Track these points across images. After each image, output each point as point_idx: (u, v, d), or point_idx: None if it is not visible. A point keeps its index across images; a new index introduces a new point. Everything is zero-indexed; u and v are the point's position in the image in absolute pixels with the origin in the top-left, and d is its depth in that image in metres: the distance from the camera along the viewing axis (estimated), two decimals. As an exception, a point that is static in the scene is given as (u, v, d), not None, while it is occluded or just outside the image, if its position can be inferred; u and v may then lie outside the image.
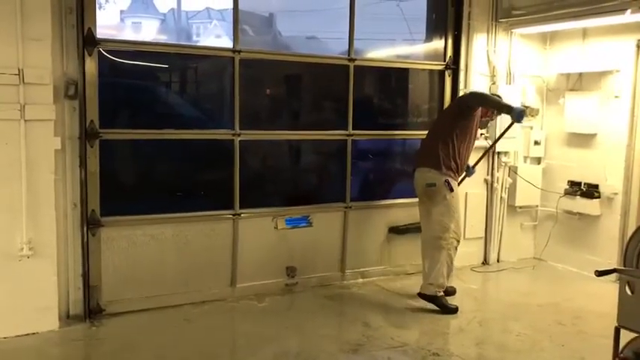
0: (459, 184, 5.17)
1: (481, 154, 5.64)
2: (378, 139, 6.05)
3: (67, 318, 4.51)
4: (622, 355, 2.83)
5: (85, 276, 4.57)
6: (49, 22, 4.19)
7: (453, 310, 4.98)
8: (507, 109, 4.92)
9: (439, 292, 4.99)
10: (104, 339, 4.35)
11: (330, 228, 5.66)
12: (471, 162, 5.37)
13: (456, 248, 5.09)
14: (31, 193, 4.17)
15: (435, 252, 4.99)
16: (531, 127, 6.48)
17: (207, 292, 5.08)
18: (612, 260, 5.73)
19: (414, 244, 5.67)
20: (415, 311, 5.03)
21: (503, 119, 5.59)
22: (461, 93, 6.03)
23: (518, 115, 4.85)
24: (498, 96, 5.38)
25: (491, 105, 5.18)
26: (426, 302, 5.11)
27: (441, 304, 4.98)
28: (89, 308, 4.61)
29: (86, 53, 4.46)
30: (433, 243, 5.01)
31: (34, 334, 4.26)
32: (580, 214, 6.15)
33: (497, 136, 5.95)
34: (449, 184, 4.93)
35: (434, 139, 5.06)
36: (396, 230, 5.89)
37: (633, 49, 5.64)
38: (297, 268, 5.46)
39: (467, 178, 5.40)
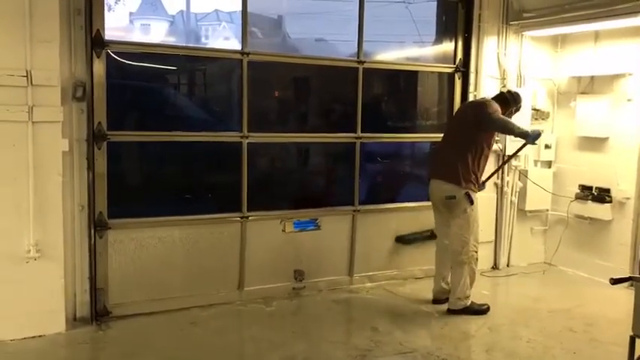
0: None
1: (492, 158, 5.61)
2: (386, 142, 6.00)
3: (73, 320, 4.49)
4: (637, 364, 2.77)
5: (92, 278, 4.56)
6: (57, 23, 4.18)
7: (486, 310, 5.01)
8: (524, 135, 4.84)
9: (467, 302, 4.97)
10: (111, 342, 4.33)
11: (339, 231, 5.62)
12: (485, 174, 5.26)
13: (477, 259, 5.02)
14: (38, 195, 4.16)
15: (457, 268, 4.96)
16: (542, 131, 6.40)
17: (215, 296, 5.06)
18: (624, 266, 5.67)
19: (422, 249, 5.64)
20: (424, 316, 4.99)
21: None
22: (470, 96, 5.98)
23: (533, 139, 4.83)
24: (517, 94, 5.23)
25: (510, 133, 5.07)
26: (435, 306, 5.11)
27: (472, 311, 4.96)
28: (96, 311, 4.60)
29: (94, 55, 4.45)
30: (454, 259, 4.98)
31: (40, 336, 4.25)
32: (591, 218, 6.08)
33: (507, 145, 5.99)
34: (469, 196, 4.84)
35: (452, 152, 4.92)
36: (402, 240, 5.82)
37: (646, 53, 5.59)
38: (305, 271, 5.42)
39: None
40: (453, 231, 4.94)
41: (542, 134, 5.02)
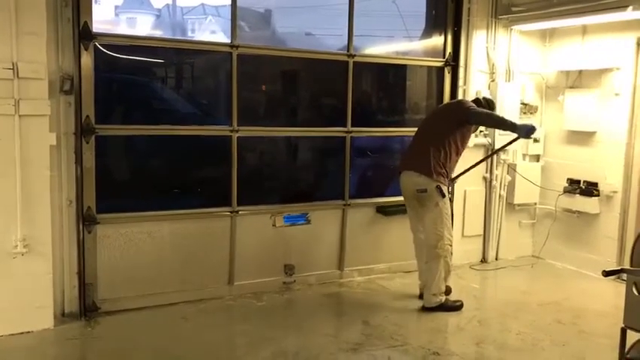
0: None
1: (480, 152, 5.62)
2: (377, 136, 6.00)
3: (62, 316, 4.46)
4: (628, 356, 2.80)
5: (81, 274, 4.52)
6: (44, 15, 4.12)
7: (460, 307, 5.00)
8: (512, 127, 4.81)
9: (442, 298, 4.96)
10: (100, 338, 4.29)
11: (329, 225, 5.62)
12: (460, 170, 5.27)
13: (451, 252, 5.01)
14: (25, 190, 4.11)
15: (433, 262, 4.92)
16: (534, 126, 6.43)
17: (205, 290, 5.03)
18: (611, 259, 5.73)
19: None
20: (414, 310, 4.99)
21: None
22: (460, 90, 6.00)
23: (526, 132, 4.77)
24: (492, 101, 5.28)
25: (496, 125, 5.07)
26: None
27: (447, 308, 4.95)
28: (85, 306, 4.55)
29: (82, 48, 4.39)
30: (429, 253, 4.94)
31: (28, 332, 4.21)
32: (579, 212, 6.13)
33: (495, 139, 5.94)
34: (440, 190, 4.82)
35: (425, 146, 4.87)
36: (383, 211, 5.78)
37: (633, 47, 5.62)
38: (295, 266, 5.42)
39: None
40: (427, 226, 4.91)
41: (536, 129, 4.92)
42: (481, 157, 5.97)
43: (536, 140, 6.43)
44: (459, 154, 4.98)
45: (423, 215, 4.93)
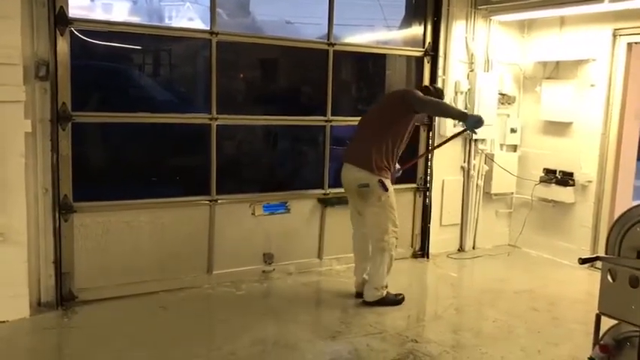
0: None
1: (459, 142, 5.69)
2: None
3: (38, 305, 4.39)
4: (602, 342, 2.85)
5: (57, 263, 4.45)
6: (18, -1, 4.03)
7: (401, 300, 4.85)
8: (461, 116, 4.76)
9: (383, 293, 4.79)
10: (77, 327, 4.25)
11: (308, 214, 5.61)
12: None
13: (396, 246, 4.84)
14: (0, 178, 4.02)
15: (377, 254, 4.75)
16: (508, 115, 6.52)
17: (183, 279, 5.01)
18: (585, 247, 5.83)
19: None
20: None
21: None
22: (439, 80, 6.02)
23: (473, 123, 4.59)
24: (441, 90, 5.15)
25: (446, 114, 4.96)
26: (405, 288, 5.12)
27: (388, 302, 4.78)
28: (61, 295, 4.50)
29: (58, 33, 4.30)
30: (374, 245, 4.79)
31: (3, 322, 4.15)
32: (555, 201, 6.22)
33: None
34: (383, 184, 4.65)
35: (368, 138, 4.69)
36: (325, 202, 5.66)
37: (609, 39, 5.69)
38: (275, 254, 5.41)
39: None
40: (370, 220, 4.76)
41: (484, 122, 4.61)
42: (460, 147, 6.04)
43: (513, 130, 6.50)
44: (401, 145, 4.78)
45: (366, 209, 4.78)
